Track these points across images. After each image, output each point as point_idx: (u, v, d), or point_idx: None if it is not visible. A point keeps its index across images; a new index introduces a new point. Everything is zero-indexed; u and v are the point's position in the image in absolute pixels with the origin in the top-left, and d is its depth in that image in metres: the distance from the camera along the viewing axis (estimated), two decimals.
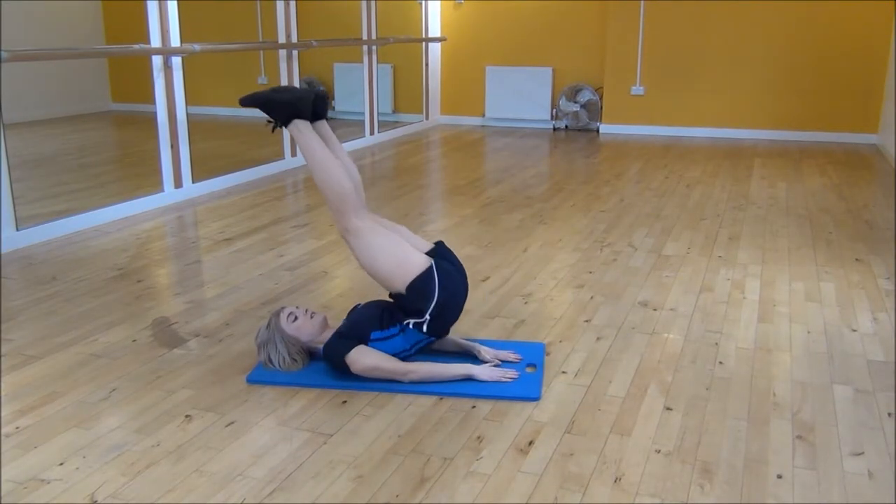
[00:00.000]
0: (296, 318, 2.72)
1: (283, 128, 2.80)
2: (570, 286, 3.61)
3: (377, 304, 2.77)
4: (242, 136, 7.65)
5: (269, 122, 2.82)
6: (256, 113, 2.89)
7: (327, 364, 2.67)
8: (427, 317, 2.61)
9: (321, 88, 2.86)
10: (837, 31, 7.64)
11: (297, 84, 6.56)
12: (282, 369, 2.68)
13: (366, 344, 2.62)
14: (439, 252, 2.74)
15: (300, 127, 2.77)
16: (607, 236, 4.43)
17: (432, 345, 2.78)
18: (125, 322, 3.20)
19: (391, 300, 2.76)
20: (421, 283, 2.61)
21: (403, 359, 2.66)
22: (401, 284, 2.62)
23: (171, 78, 5.16)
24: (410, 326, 2.63)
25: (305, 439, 2.30)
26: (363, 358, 2.58)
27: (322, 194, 2.74)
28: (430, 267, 2.63)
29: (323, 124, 2.89)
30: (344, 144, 7.47)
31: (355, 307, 2.92)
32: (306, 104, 2.78)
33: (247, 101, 2.82)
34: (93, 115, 8.35)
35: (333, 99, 8.51)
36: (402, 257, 2.64)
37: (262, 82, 7.34)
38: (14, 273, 3.82)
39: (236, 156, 6.61)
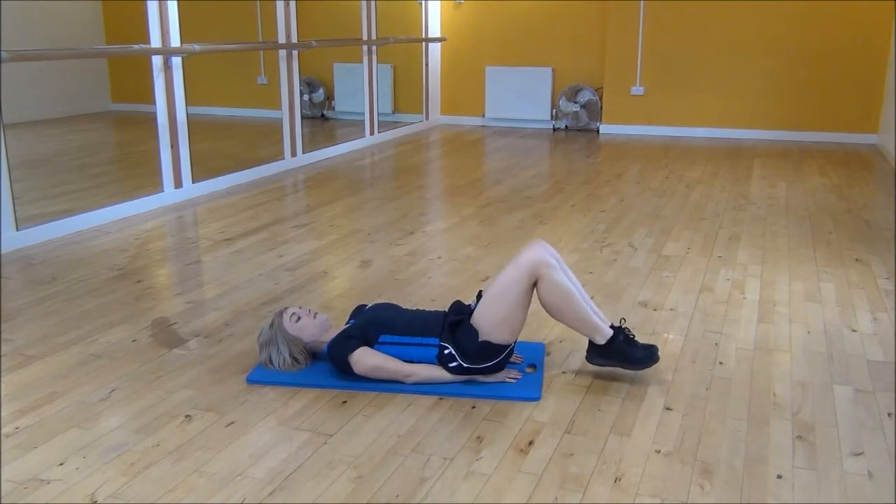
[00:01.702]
0: (299, 319, 2.72)
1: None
2: None
3: (389, 308, 2.76)
4: (242, 136, 7.65)
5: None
6: (256, 113, 2.87)
7: (331, 363, 2.67)
8: (463, 364, 2.57)
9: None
10: (837, 31, 7.64)
11: (296, 83, 6.56)
12: (282, 369, 2.68)
13: (372, 346, 2.61)
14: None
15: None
16: (607, 236, 4.43)
17: None
18: (125, 322, 3.20)
19: (409, 308, 2.76)
20: (492, 350, 2.57)
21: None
22: (486, 334, 2.56)
23: (171, 78, 5.16)
24: (445, 352, 2.57)
25: (305, 439, 2.30)
26: (367, 359, 2.57)
27: (563, 304, 2.61)
28: (511, 346, 2.61)
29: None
30: (344, 144, 7.51)
31: (360, 307, 2.92)
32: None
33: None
34: (93, 115, 8.35)
35: (333, 99, 8.52)
36: (515, 326, 2.58)
37: (261, 82, 7.34)
38: (14, 273, 3.82)
39: (236, 156, 6.61)
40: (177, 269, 3.92)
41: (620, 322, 2.72)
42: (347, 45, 7.67)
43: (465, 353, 2.56)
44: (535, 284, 2.56)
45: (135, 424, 2.38)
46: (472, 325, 2.58)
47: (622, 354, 2.63)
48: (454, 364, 2.57)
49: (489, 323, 2.56)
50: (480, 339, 2.55)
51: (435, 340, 2.59)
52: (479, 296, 2.66)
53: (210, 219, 4.88)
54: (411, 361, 2.60)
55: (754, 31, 7.89)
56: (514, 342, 2.62)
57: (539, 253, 2.57)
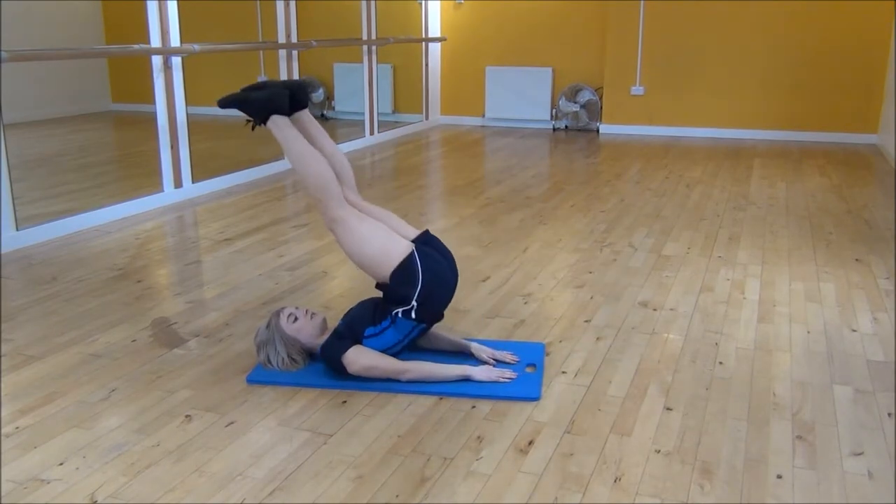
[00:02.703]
0: (296, 319, 2.72)
1: (263, 125, 2.80)
2: (570, 286, 3.61)
3: (369, 302, 2.78)
4: (242, 136, 7.63)
5: (248, 121, 2.82)
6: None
7: (325, 365, 2.67)
8: (414, 303, 2.60)
9: (304, 79, 2.88)
10: (837, 31, 7.64)
11: None
12: (280, 370, 2.68)
13: (361, 342, 2.62)
14: (424, 239, 2.75)
15: (278, 123, 2.77)
16: (607, 236, 4.43)
17: (427, 342, 2.78)
18: (125, 322, 3.20)
19: (381, 294, 2.78)
20: (404, 269, 2.62)
21: (398, 352, 2.66)
22: (385, 272, 2.64)
23: (171, 78, 5.16)
24: (400, 316, 2.62)
25: (305, 439, 2.30)
26: (359, 358, 2.58)
27: (304, 186, 2.75)
28: (412, 252, 2.64)
29: (304, 114, 2.88)
30: (344, 144, 7.50)
31: (351, 308, 2.92)
32: (282, 98, 2.77)
33: (224, 103, 2.82)
34: (93, 115, 8.35)
35: (333, 99, 8.51)
36: (386, 244, 2.65)
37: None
38: (14, 273, 3.82)
39: (236, 156, 6.61)
40: (177, 269, 3.92)
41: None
42: (347, 45, 7.67)
43: (399, 299, 2.62)
44: (331, 213, 2.68)
45: (135, 424, 2.38)
46: (382, 285, 2.71)
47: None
48: (413, 315, 2.61)
49: (376, 269, 2.66)
50: (389, 280, 2.64)
51: (390, 314, 2.64)
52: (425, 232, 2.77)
53: (210, 219, 4.88)
54: (397, 344, 2.64)
55: (754, 31, 7.88)
56: (410, 248, 2.65)
57: (326, 218, 2.70)
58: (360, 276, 3.75)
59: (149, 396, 2.56)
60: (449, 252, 2.78)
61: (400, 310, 2.62)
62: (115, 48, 5.59)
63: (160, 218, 4.91)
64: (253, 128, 2.86)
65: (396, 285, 2.63)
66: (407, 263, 2.62)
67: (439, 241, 2.79)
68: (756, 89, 8.00)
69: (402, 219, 2.86)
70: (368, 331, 2.64)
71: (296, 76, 6.52)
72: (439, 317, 2.72)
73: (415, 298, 2.60)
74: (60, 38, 7.74)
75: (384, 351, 2.64)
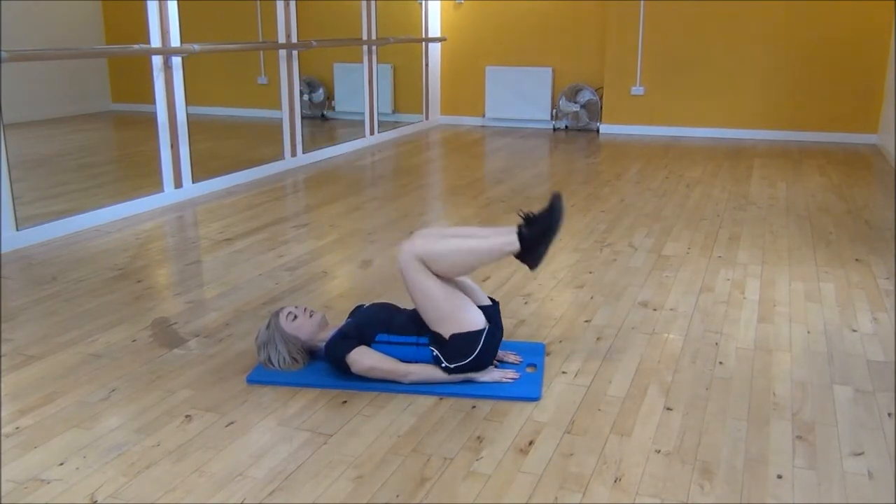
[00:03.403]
0: (295, 318, 2.72)
1: (526, 252, 2.61)
2: (570, 286, 3.61)
3: (386, 308, 2.76)
4: (242, 136, 7.65)
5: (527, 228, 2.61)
6: (256, 113, 2.87)
7: (328, 363, 2.67)
8: (449, 366, 2.56)
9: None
10: (837, 31, 7.64)
11: (296, 83, 6.56)
12: (281, 369, 2.68)
13: (369, 345, 2.61)
14: (491, 314, 2.64)
15: (511, 249, 2.60)
16: (607, 236, 4.43)
17: None
18: (125, 322, 3.20)
19: (406, 308, 2.76)
20: (466, 339, 2.54)
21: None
22: (447, 331, 2.55)
23: (171, 78, 5.16)
24: (431, 353, 2.57)
25: (305, 439, 2.30)
26: (363, 359, 2.57)
27: (445, 251, 2.54)
28: (483, 331, 2.56)
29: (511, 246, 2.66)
30: (344, 144, 7.51)
31: (358, 307, 2.92)
32: (537, 259, 2.64)
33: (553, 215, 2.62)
34: (93, 115, 8.35)
35: (333, 99, 8.52)
36: (459, 311, 2.55)
37: (261, 82, 7.34)
38: (14, 273, 3.82)
39: (236, 156, 6.61)
40: (177, 269, 3.92)
41: (519, 216, 2.66)
42: (347, 45, 7.67)
43: (447, 354, 2.56)
44: (429, 268, 2.54)
45: (135, 424, 2.38)
46: (436, 331, 2.57)
47: (540, 232, 2.58)
48: (443, 366, 2.57)
49: (438, 323, 2.55)
50: (448, 336, 2.55)
51: (417, 336, 2.60)
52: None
53: (210, 219, 4.88)
54: (408, 361, 2.60)
55: (754, 30, 7.89)
56: (484, 326, 2.56)
57: (405, 246, 2.55)
58: (360, 277, 3.75)
59: (149, 396, 2.56)
60: (502, 326, 2.70)
61: (436, 352, 2.56)
62: (115, 48, 5.59)
63: (160, 218, 4.91)
64: (522, 227, 2.63)
65: (450, 345, 2.55)
66: (473, 337, 2.55)
67: (500, 317, 2.69)
68: (756, 89, 8.00)
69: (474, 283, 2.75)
70: (381, 336, 2.62)
71: (296, 76, 6.52)
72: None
73: (455, 366, 2.56)
74: (60, 38, 7.73)
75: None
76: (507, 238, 2.59)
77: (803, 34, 7.75)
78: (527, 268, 2.65)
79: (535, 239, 2.58)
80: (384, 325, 2.64)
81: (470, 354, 2.54)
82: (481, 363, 2.58)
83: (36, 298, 3.47)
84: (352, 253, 4.13)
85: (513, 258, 2.63)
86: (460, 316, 2.54)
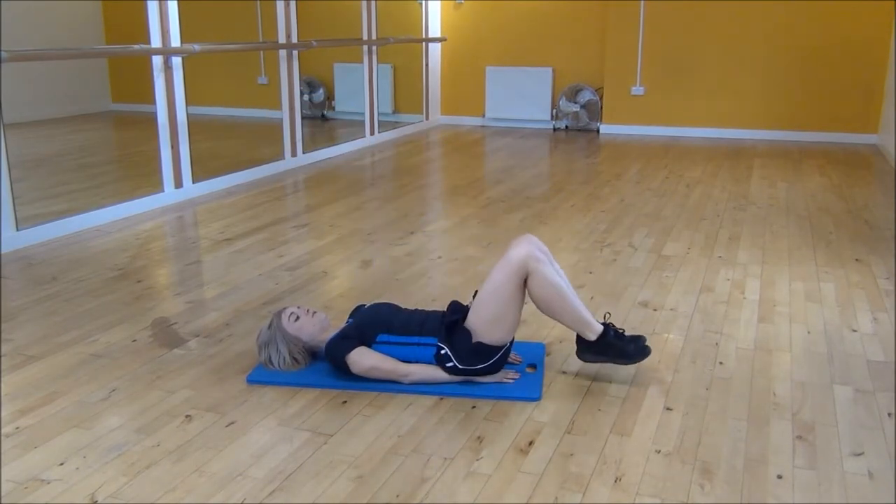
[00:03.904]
0: (297, 318, 2.72)
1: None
2: None
3: (387, 307, 2.76)
4: (242, 136, 7.65)
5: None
6: (256, 113, 2.88)
7: (329, 363, 2.67)
8: (458, 365, 2.56)
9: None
10: (837, 31, 7.64)
11: (296, 83, 6.56)
12: (282, 369, 2.68)
13: (370, 345, 2.61)
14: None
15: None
16: (607, 236, 4.43)
17: None
18: (125, 322, 3.20)
19: (407, 308, 2.76)
20: (488, 351, 2.55)
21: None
22: (480, 335, 2.54)
23: (171, 78, 5.16)
24: (441, 352, 2.56)
25: (305, 439, 2.30)
26: (363, 359, 2.57)
27: (553, 291, 2.57)
28: (506, 346, 2.58)
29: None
30: (344, 144, 7.50)
31: (359, 307, 2.92)
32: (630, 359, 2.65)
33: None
34: (93, 115, 8.35)
35: (333, 99, 8.52)
36: (508, 325, 2.56)
37: (262, 82, 7.34)
38: (14, 273, 3.82)
39: (236, 156, 6.61)
40: (177, 269, 3.92)
41: (605, 317, 2.72)
42: (347, 45, 7.67)
43: (460, 354, 2.56)
44: (525, 280, 2.55)
45: (135, 424, 2.38)
46: (466, 327, 2.57)
47: (614, 349, 2.62)
48: (450, 364, 2.57)
49: (482, 323, 2.54)
50: (474, 341, 2.54)
51: (433, 340, 2.59)
52: (476, 295, 2.66)
53: (210, 219, 4.88)
54: (409, 361, 2.60)
55: (754, 31, 7.88)
56: (511, 342, 2.61)
57: (528, 249, 2.55)
58: (360, 277, 3.76)
59: (149, 396, 2.56)
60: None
61: (446, 350, 2.56)
62: (115, 48, 5.59)
63: (160, 218, 4.91)
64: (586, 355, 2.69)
65: (472, 349, 2.54)
66: (494, 351, 2.56)
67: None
68: (756, 89, 8.00)
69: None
70: (382, 337, 2.63)
71: (296, 76, 6.52)
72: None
73: (464, 367, 2.56)
74: (60, 38, 7.73)
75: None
76: (594, 325, 2.62)
77: (803, 34, 7.75)
78: (576, 351, 2.70)
79: (608, 350, 2.63)
80: (385, 326, 2.64)
81: (484, 362, 2.56)
82: (489, 371, 2.60)
83: (36, 298, 3.47)
84: (352, 253, 4.13)
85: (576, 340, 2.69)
86: (503, 330, 2.55)
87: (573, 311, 2.61)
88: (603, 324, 2.65)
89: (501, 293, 2.53)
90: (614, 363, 2.66)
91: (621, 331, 2.66)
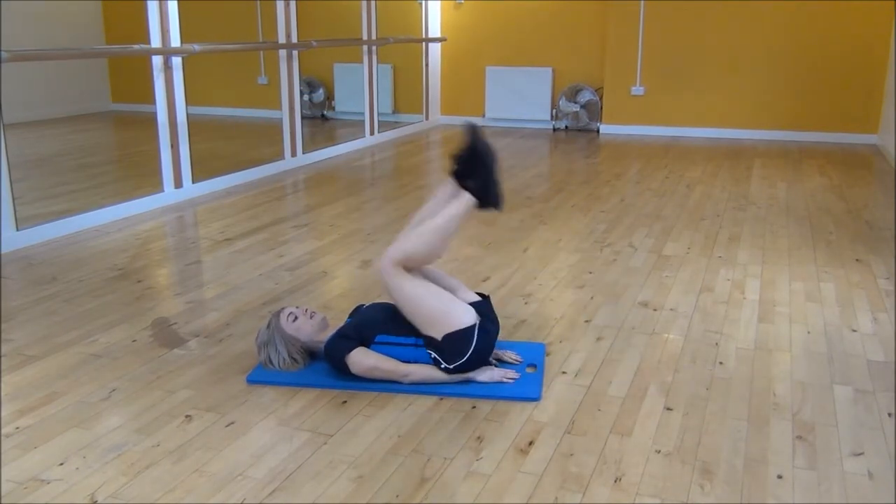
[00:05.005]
0: (296, 318, 2.72)
1: (457, 181, 2.68)
2: (570, 286, 3.61)
3: (386, 308, 2.75)
4: (242, 136, 7.65)
5: (458, 158, 2.68)
6: (256, 113, 2.88)
7: (328, 363, 2.67)
8: (448, 366, 2.56)
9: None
10: (837, 31, 7.64)
11: (296, 83, 6.56)
12: (281, 370, 2.68)
13: (368, 346, 2.61)
14: (484, 310, 2.66)
15: (464, 199, 2.65)
16: (607, 236, 4.43)
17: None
18: (125, 322, 3.20)
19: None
20: (459, 339, 2.55)
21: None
22: (439, 332, 2.55)
23: (171, 78, 5.16)
24: (430, 356, 2.58)
25: (305, 439, 2.30)
26: (363, 359, 2.57)
27: (414, 243, 2.60)
28: (474, 326, 2.57)
29: (467, 208, 2.71)
30: (344, 144, 7.50)
31: (358, 307, 2.92)
32: (495, 200, 2.66)
33: (471, 136, 2.67)
34: (93, 115, 8.35)
35: (333, 99, 8.52)
36: (448, 307, 2.57)
37: (262, 82, 7.34)
38: (14, 273, 3.82)
39: (236, 156, 6.61)
40: (177, 269, 3.92)
41: (451, 164, 2.71)
42: (347, 45, 7.67)
43: (443, 355, 2.56)
44: (405, 269, 2.58)
45: (135, 424, 2.38)
46: (429, 335, 2.58)
47: (480, 173, 2.62)
48: (443, 367, 2.57)
49: (429, 326, 2.56)
50: (441, 337, 2.55)
51: (416, 337, 2.61)
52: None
53: (210, 219, 4.88)
54: (408, 362, 2.60)
55: (754, 31, 7.89)
56: (475, 321, 2.57)
57: (381, 261, 2.59)
58: (360, 277, 3.75)
59: (149, 396, 2.56)
60: (498, 322, 2.70)
61: (434, 355, 2.57)
62: (115, 48, 5.59)
63: (160, 218, 4.91)
64: (455, 172, 2.70)
65: (444, 346, 2.55)
66: (466, 334, 2.55)
67: (494, 311, 2.72)
68: (756, 89, 8.00)
69: (460, 280, 2.78)
70: (381, 338, 2.62)
71: (296, 76, 6.52)
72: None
73: (454, 366, 2.56)
74: (60, 38, 7.74)
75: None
76: (460, 199, 2.65)
77: (803, 34, 7.75)
78: (495, 211, 2.72)
79: (479, 183, 2.63)
80: (384, 326, 2.64)
81: (466, 352, 2.54)
82: (479, 359, 2.58)
83: (36, 298, 3.47)
84: (352, 253, 4.13)
85: (477, 213, 2.70)
86: (450, 315, 2.56)
87: (449, 223, 2.62)
88: (463, 186, 2.66)
89: (412, 298, 2.56)
90: (492, 170, 2.65)
91: (458, 156, 2.66)
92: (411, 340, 2.60)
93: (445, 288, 2.66)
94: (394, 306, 2.79)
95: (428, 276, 2.71)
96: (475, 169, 2.65)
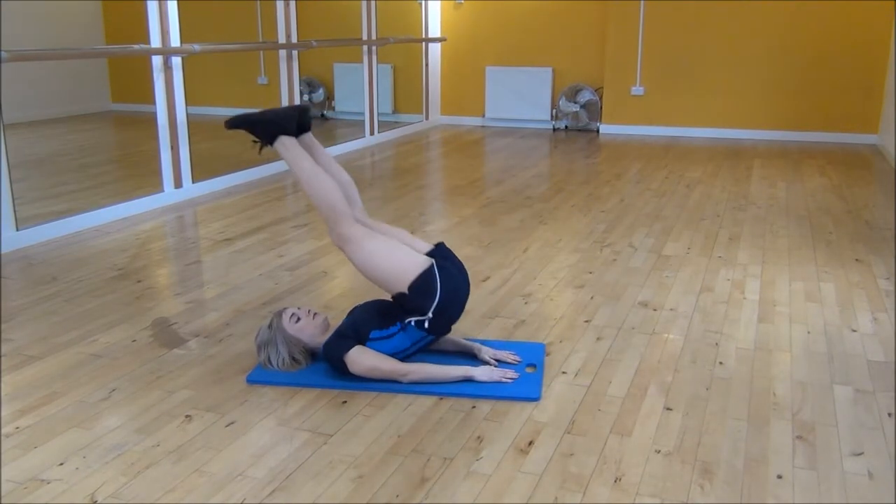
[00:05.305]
0: (298, 319, 2.72)
1: (270, 146, 2.84)
2: (570, 286, 3.61)
3: (376, 304, 2.77)
4: (242, 137, 7.63)
5: (255, 142, 2.88)
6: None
7: (327, 363, 2.67)
8: (430, 315, 2.61)
9: (306, 102, 2.96)
10: (837, 31, 7.64)
11: (296, 83, 6.56)
12: (280, 370, 2.68)
13: (365, 343, 2.62)
14: (440, 252, 2.75)
15: (286, 144, 2.82)
16: (607, 236, 4.43)
17: (432, 344, 2.77)
18: (125, 322, 3.20)
19: (391, 300, 2.77)
20: (423, 283, 2.61)
21: (403, 358, 2.66)
22: (402, 285, 2.62)
23: (171, 78, 5.16)
24: (412, 324, 2.63)
25: (305, 439, 2.30)
26: (362, 358, 2.58)
27: (314, 206, 2.76)
28: (432, 266, 2.64)
29: (308, 136, 2.93)
30: (344, 145, 7.50)
31: (355, 308, 2.92)
32: (290, 121, 2.83)
33: (231, 124, 2.88)
34: (93, 115, 8.35)
35: (333, 99, 8.52)
36: (402, 259, 2.65)
37: (262, 82, 7.34)
38: (14, 273, 3.82)
39: (236, 156, 6.61)
40: (177, 269, 3.92)
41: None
42: (347, 45, 7.67)
43: (417, 307, 2.61)
44: (340, 231, 2.69)
45: (135, 424, 2.38)
46: (396, 295, 2.66)
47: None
48: (426, 324, 2.61)
49: (393, 282, 2.64)
50: (407, 293, 2.61)
51: (401, 321, 2.65)
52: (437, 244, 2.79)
53: (210, 219, 4.88)
54: (406, 349, 2.64)
55: (754, 31, 7.89)
56: (429, 262, 2.64)
57: (340, 232, 2.71)
58: (360, 277, 3.75)
59: (149, 396, 2.56)
60: (463, 267, 2.79)
61: (413, 319, 2.62)
62: (115, 48, 5.59)
63: (160, 218, 4.91)
64: (260, 149, 2.91)
65: (414, 296, 2.62)
66: (426, 277, 2.61)
67: (453, 253, 2.80)
68: (756, 89, 8.00)
69: (412, 234, 2.88)
70: (375, 333, 2.64)
71: (296, 76, 6.52)
72: (448, 330, 2.73)
73: (431, 311, 2.60)
74: (60, 38, 7.73)
75: (389, 355, 2.64)
76: (279, 151, 2.86)
77: (803, 34, 7.75)
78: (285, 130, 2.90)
79: (260, 132, 2.86)
80: (376, 322, 2.66)
81: (434, 293, 2.60)
82: (453, 300, 2.64)
83: (36, 298, 3.47)
84: (349, 261, 4.12)
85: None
86: (403, 263, 2.64)
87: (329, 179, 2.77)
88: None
89: (364, 260, 2.67)
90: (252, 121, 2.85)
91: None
92: (398, 328, 2.63)
93: (404, 243, 2.76)
94: (381, 301, 2.80)
95: (387, 236, 2.80)
96: (253, 129, 2.86)
